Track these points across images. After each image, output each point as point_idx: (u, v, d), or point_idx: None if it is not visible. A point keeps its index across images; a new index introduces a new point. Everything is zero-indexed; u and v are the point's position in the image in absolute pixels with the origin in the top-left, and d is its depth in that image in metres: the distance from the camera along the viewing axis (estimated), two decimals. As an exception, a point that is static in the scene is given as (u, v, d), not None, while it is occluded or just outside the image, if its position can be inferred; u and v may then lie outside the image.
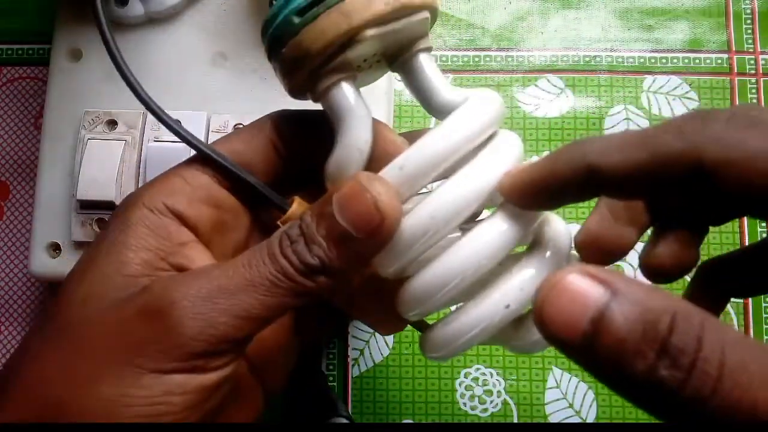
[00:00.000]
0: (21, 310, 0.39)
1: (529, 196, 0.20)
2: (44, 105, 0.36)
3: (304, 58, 0.20)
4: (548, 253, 0.20)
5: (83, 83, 0.36)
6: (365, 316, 0.25)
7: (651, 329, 0.14)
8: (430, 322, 0.22)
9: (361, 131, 0.21)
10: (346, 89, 0.21)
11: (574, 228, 0.22)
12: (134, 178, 0.34)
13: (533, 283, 0.20)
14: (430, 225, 0.20)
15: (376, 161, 0.21)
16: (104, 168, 0.33)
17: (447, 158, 0.20)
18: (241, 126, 0.33)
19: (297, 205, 0.22)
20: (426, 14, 0.21)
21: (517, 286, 0.20)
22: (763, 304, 0.38)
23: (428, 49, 0.22)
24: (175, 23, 0.36)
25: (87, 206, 0.34)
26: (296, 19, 0.20)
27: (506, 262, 0.21)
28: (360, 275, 0.23)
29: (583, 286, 0.15)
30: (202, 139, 0.34)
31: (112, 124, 0.35)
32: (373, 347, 0.38)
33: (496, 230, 0.20)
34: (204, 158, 0.22)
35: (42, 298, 0.39)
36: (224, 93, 0.36)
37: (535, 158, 0.39)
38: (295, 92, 0.22)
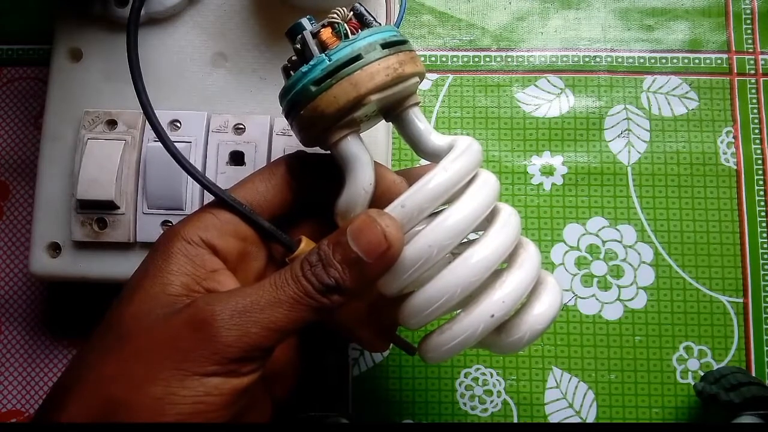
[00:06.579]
0: (21, 310, 0.39)
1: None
2: (44, 105, 0.36)
3: (320, 119, 0.24)
4: (524, 272, 0.24)
5: (83, 83, 0.36)
6: (357, 337, 0.29)
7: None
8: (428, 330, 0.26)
9: (366, 175, 0.25)
10: (352, 141, 0.25)
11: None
12: (134, 178, 0.34)
13: (513, 297, 0.24)
14: (427, 252, 0.23)
15: (378, 197, 0.25)
16: (104, 168, 0.33)
17: (440, 198, 0.24)
18: (242, 126, 0.35)
19: (305, 245, 0.26)
20: (417, 79, 0.25)
21: (500, 299, 0.24)
22: (763, 304, 0.38)
23: (417, 104, 0.26)
24: (175, 23, 0.36)
25: (87, 206, 0.34)
26: (313, 88, 0.24)
27: (490, 277, 0.24)
28: (367, 297, 0.27)
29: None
30: (202, 139, 0.34)
31: (112, 124, 0.35)
32: (373, 347, 0.38)
33: (481, 255, 0.24)
34: (228, 207, 0.26)
35: (42, 298, 0.39)
36: (224, 93, 0.36)
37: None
38: (309, 144, 0.26)
